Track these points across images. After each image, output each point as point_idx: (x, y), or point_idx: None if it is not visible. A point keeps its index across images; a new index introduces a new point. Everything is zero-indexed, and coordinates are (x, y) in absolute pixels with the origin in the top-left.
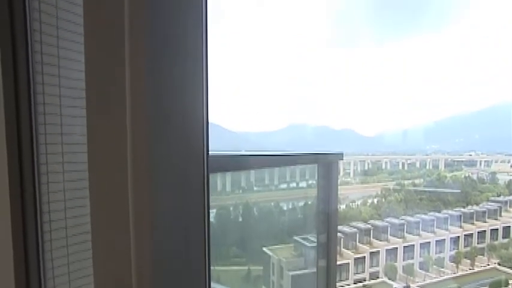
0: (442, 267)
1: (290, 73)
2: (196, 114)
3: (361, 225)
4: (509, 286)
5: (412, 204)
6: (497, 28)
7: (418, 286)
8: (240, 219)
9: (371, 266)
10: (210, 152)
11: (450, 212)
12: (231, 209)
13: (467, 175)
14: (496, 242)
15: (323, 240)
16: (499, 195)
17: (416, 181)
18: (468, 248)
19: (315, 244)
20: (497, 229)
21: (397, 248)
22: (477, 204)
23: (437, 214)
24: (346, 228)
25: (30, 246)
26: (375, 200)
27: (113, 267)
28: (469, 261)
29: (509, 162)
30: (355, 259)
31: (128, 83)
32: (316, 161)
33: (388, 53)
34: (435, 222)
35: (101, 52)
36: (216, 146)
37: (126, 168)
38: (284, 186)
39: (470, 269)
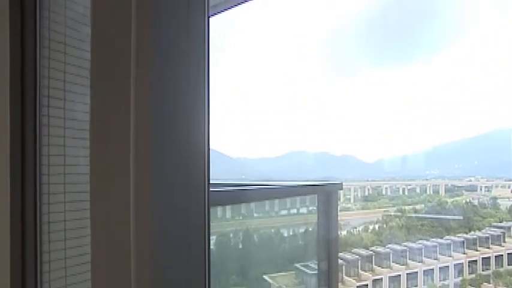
0: None
1: (289, 101)
2: (199, 143)
3: (363, 251)
4: None
5: (413, 230)
6: (496, 52)
7: None
8: (240, 246)
9: None
10: (210, 181)
11: (453, 237)
12: (231, 235)
13: (468, 200)
14: (501, 269)
15: (324, 267)
16: (501, 221)
17: (417, 207)
18: (473, 275)
19: (316, 271)
20: (501, 255)
21: (400, 275)
22: (480, 229)
23: (439, 240)
24: (347, 255)
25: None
26: (376, 226)
27: None
28: None
29: (509, 187)
30: (358, 287)
31: (132, 116)
32: (316, 191)
33: (385, 80)
34: (438, 248)
35: (106, 87)
36: (216, 172)
37: (128, 198)
38: (284, 212)
39: None
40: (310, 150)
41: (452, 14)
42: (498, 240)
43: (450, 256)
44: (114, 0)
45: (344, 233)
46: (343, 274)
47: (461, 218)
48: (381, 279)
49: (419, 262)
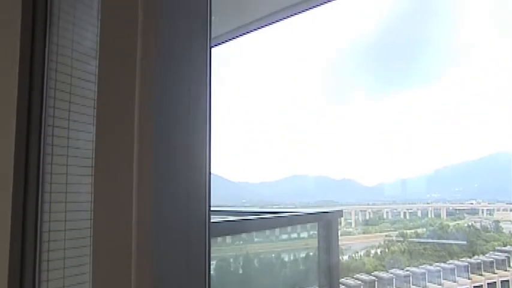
0: None
1: (290, 127)
2: (200, 169)
3: (365, 277)
4: None
5: (416, 254)
6: (495, 76)
7: None
8: (241, 271)
9: None
10: (212, 206)
11: (456, 262)
12: (231, 260)
13: (470, 224)
14: None
15: None
16: (505, 245)
17: (419, 230)
18: None
19: None
20: (507, 280)
21: None
22: (484, 254)
23: (443, 265)
24: (350, 281)
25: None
26: (378, 251)
27: None
28: None
29: (511, 210)
30: None
31: (135, 143)
32: (317, 219)
33: (384, 106)
34: (442, 273)
35: (110, 117)
36: (217, 196)
37: (130, 224)
38: (285, 236)
39: None
40: (310, 174)
41: (448, 41)
42: (503, 264)
43: (455, 281)
44: (118, 32)
45: (346, 257)
46: None
47: (464, 242)
48: None
49: (423, 287)
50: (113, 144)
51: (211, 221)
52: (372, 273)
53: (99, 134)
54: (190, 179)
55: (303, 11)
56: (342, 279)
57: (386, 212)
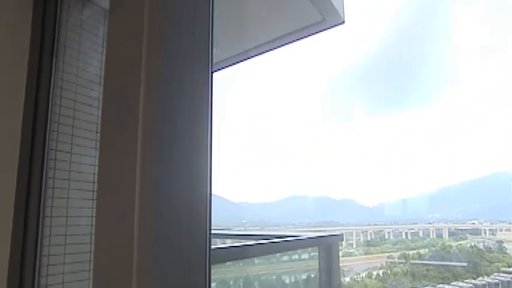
0: None
1: (289, 147)
2: (201, 191)
3: None
4: None
5: (419, 276)
6: (494, 96)
7: None
8: None
9: None
10: (213, 225)
11: (461, 284)
12: (231, 282)
13: (473, 244)
14: None
15: None
16: (510, 266)
17: (421, 251)
18: None
19: None
20: None
21: None
22: (488, 275)
23: (447, 287)
24: None
25: None
26: (380, 272)
27: None
28: None
29: None
30: None
31: (138, 164)
32: (317, 243)
33: (383, 126)
34: None
35: (115, 138)
36: (217, 217)
37: (132, 249)
38: (286, 258)
39: None
40: (310, 194)
41: (446, 61)
42: (509, 286)
43: None
44: (124, 57)
45: (347, 279)
46: None
47: (467, 263)
48: None
49: None
50: (115, 167)
51: (213, 247)
52: None
53: (103, 157)
54: (191, 201)
55: (300, 39)
56: None
57: (388, 233)
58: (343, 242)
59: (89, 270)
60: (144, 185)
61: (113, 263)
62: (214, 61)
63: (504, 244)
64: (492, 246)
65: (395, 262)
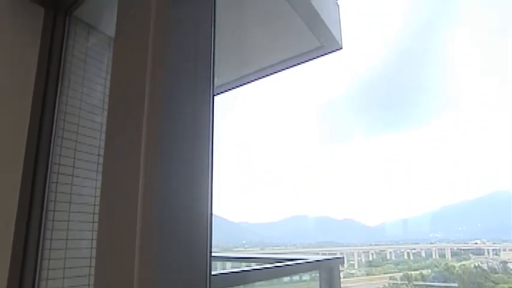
0: None
1: (289, 168)
2: (201, 218)
3: None
4: None
5: None
6: (493, 117)
7: None
8: None
9: None
10: (213, 246)
11: None
12: None
13: (476, 264)
14: None
15: None
16: None
17: (424, 272)
18: None
19: None
20: None
21: None
22: None
23: None
24: None
25: None
26: None
27: None
28: None
29: None
30: None
31: (140, 187)
32: (318, 267)
33: (382, 146)
34: None
35: (118, 160)
36: (217, 237)
37: (132, 275)
38: (287, 279)
39: None
40: (311, 214)
41: (443, 83)
42: None
43: None
44: (128, 82)
45: None
46: None
47: (472, 284)
48: None
49: None
50: (117, 185)
51: (213, 272)
52: None
53: (105, 182)
54: (192, 225)
55: (299, 64)
56: None
57: (390, 253)
58: (345, 262)
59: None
60: (146, 204)
61: (113, 286)
62: (215, 84)
63: (509, 264)
64: (496, 267)
65: (397, 283)
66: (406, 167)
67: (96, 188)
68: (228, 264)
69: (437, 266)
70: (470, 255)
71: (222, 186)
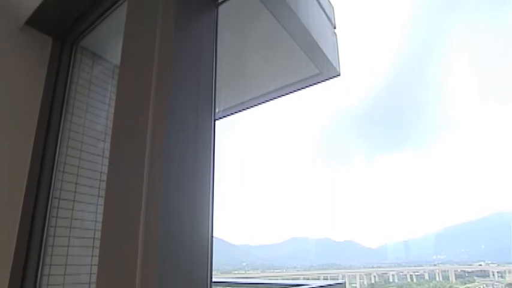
0: None
1: (289, 190)
2: (202, 239)
3: None
4: None
5: None
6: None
7: None
8: None
9: None
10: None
11: None
12: None
13: (481, 287)
14: None
15: None
16: None
17: None
18: None
19: None
20: None
21: None
22: None
23: None
24: None
25: None
26: None
27: None
28: None
29: None
30: None
31: (143, 208)
32: None
33: (383, 167)
34: None
35: (122, 182)
36: (218, 259)
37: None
38: None
39: None
40: (311, 236)
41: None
42: None
43: None
44: (131, 115)
45: None
46: None
47: None
48: None
49: None
50: (120, 215)
51: None
52: None
53: (107, 207)
54: (193, 248)
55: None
56: None
57: (392, 275)
58: (347, 286)
59: None
60: (148, 232)
61: None
62: (216, 110)
63: None
64: None
65: None
66: (408, 188)
67: (97, 213)
68: None
69: None
70: (475, 277)
71: (223, 209)
